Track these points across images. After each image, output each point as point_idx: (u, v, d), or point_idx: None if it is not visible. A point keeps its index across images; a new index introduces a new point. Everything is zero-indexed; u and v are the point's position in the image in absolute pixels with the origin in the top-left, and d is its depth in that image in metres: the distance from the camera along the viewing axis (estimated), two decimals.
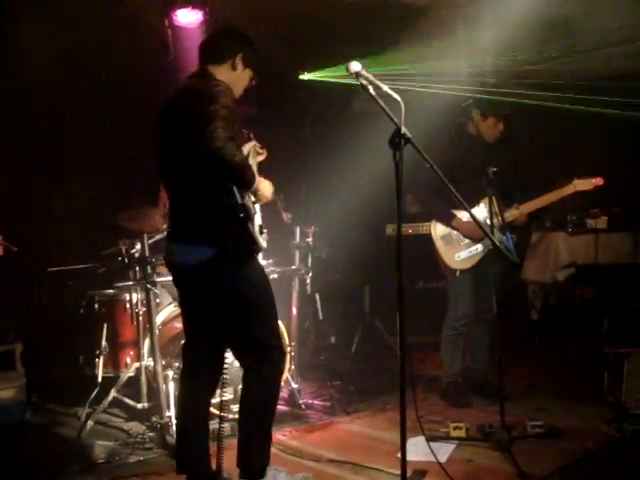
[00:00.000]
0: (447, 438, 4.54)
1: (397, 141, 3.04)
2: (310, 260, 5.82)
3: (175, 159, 3.57)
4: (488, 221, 4.64)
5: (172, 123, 3.61)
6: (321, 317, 6.73)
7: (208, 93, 3.41)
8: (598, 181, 5.33)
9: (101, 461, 4.49)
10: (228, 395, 4.96)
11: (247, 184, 3.52)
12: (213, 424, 4.89)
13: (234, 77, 3.75)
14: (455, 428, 4.58)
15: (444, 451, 4.30)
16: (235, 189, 3.44)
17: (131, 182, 6.52)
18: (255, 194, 3.66)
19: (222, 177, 3.43)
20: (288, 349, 5.24)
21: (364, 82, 3.19)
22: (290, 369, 5.36)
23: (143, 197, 6.17)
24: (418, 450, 4.13)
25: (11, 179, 6.12)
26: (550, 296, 6.73)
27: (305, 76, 6.97)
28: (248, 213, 3.50)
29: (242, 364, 3.85)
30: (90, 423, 5.01)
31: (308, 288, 6.04)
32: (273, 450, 3.66)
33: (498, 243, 3.51)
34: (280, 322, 3.85)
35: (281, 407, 3.61)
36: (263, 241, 3.68)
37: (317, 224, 5.79)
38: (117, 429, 5.13)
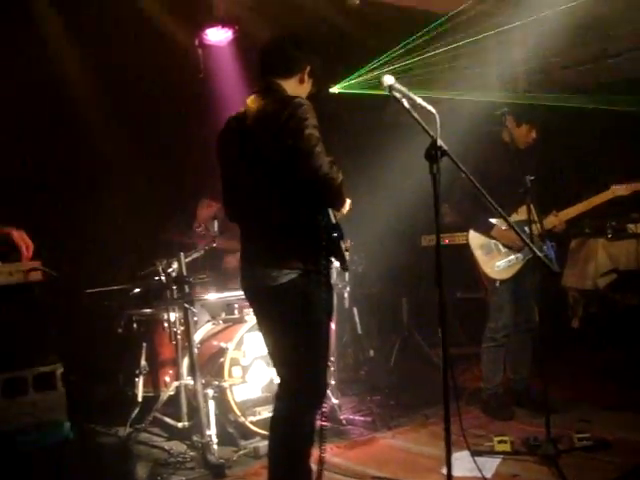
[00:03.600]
0: (492, 452, 4.48)
1: (433, 153, 3.00)
2: (347, 274, 5.79)
3: (257, 182, 3.44)
4: (527, 229, 4.59)
5: (250, 146, 3.46)
6: (360, 331, 6.68)
7: (294, 114, 3.30)
8: (636, 186, 5.24)
9: None
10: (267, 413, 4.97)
11: (342, 205, 3.49)
12: (254, 442, 4.93)
13: (301, 90, 3.62)
14: (500, 442, 4.51)
15: (489, 466, 4.23)
16: (329, 209, 3.43)
17: (168, 203, 6.54)
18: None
19: (322, 200, 3.39)
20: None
21: (398, 95, 3.16)
22: (330, 384, 5.32)
23: (179, 217, 6.21)
24: (462, 465, 4.07)
25: (48, 203, 6.17)
26: (591, 304, 6.63)
27: (335, 89, 6.95)
28: (341, 232, 3.46)
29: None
30: (131, 443, 5.02)
31: (346, 302, 6.01)
32: (314, 468, 3.60)
33: (538, 252, 3.45)
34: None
35: (323, 424, 3.59)
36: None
37: (352, 238, 5.76)
38: (158, 448, 5.12)
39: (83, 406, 5.64)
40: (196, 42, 6.48)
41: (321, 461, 3.44)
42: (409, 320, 7.38)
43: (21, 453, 4.97)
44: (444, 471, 3.26)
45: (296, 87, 3.62)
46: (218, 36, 6.52)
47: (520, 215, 5.04)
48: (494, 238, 5.32)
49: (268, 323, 3.61)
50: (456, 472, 3.41)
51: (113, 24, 5.99)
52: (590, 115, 6.87)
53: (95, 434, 5.55)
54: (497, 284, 5.31)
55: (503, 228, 5.22)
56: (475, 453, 4.00)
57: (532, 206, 4.60)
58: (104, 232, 6.47)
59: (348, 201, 3.63)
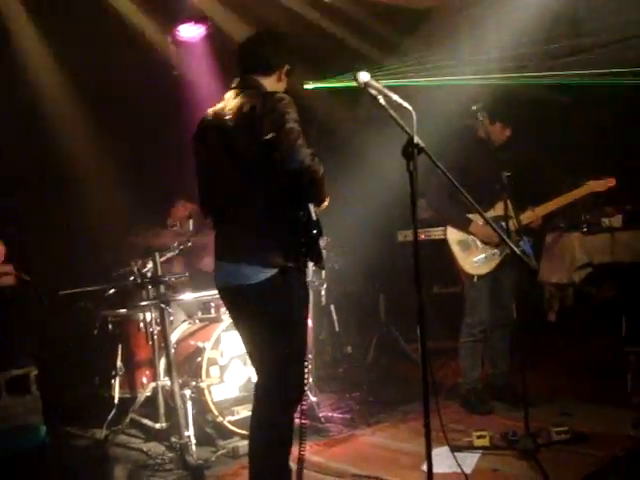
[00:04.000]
0: (471, 448, 4.48)
1: (410, 151, 2.98)
2: (324, 272, 5.77)
3: (236, 178, 3.42)
4: (504, 225, 4.59)
5: (229, 142, 3.44)
6: (337, 328, 6.68)
7: (274, 109, 3.30)
8: (610, 182, 5.26)
9: None
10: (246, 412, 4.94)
11: (323, 199, 3.46)
12: (233, 442, 4.90)
13: (278, 87, 3.62)
14: (479, 437, 4.52)
15: (469, 462, 4.24)
16: (310, 205, 3.40)
17: (141, 201, 6.48)
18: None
19: (304, 194, 3.36)
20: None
21: (373, 92, 3.14)
22: (308, 382, 5.29)
23: (153, 215, 6.16)
24: (443, 461, 4.06)
25: (21, 205, 6.10)
26: (567, 297, 6.66)
27: (309, 85, 6.92)
28: (320, 229, 3.43)
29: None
30: (109, 445, 4.98)
31: (323, 299, 6.00)
32: (294, 467, 3.58)
33: (515, 248, 3.45)
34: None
35: (302, 422, 3.57)
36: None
37: (329, 234, 5.73)
38: (136, 450, 5.08)
39: (59, 409, 5.60)
40: (169, 39, 6.43)
41: (301, 460, 3.41)
42: (386, 316, 7.38)
43: None
44: (424, 468, 3.25)
45: (274, 84, 3.62)
46: (191, 32, 6.48)
47: (497, 211, 5.05)
48: (471, 234, 5.32)
49: (245, 322, 3.58)
50: (436, 468, 3.39)
51: (84, 22, 5.92)
52: (565, 110, 6.91)
53: (72, 437, 5.51)
54: (475, 279, 5.32)
55: (480, 224, 5.23)
56: (455, 449, 4.00)
57: (508, 202, 4.60)
58: (79, 233, 6.41)
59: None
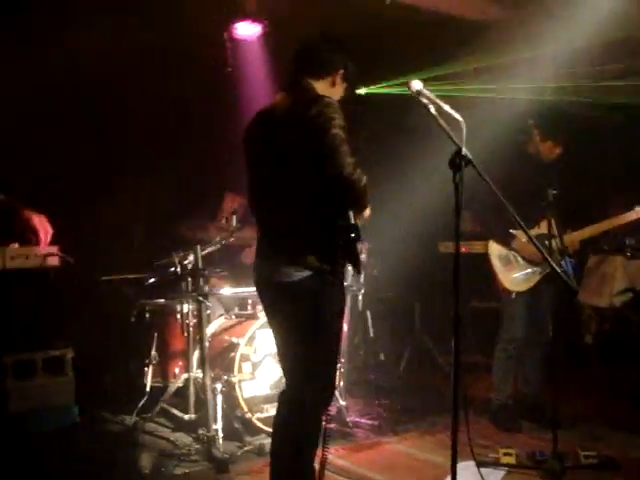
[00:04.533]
0: (496, 464, 4.45)
1: (458, 162, 2.98)
2: (362, 277, 5.77)
3: (280, 178, 3.44)
4: (547, 243, 4.55)
5: (275, 142, 3.46)
6: (371, 334, 6.67)
7: (322, 113, 3.29)
8: None
9: (146, 472, 4.51)
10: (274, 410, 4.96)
11: (363, 208, 3.48)
12: (260, 439, 4.93)
13: (332, 92, 3.60)
14: (505, 454, 4.50)
15: (493, 478, 4.21)
16: (350, 211, 3.41)
17: (189, 193, 6.55)
18: (359, 215, 3.54)
19: (344, 201, 3.38)
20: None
21: (425, 101, 3.15)
22: (339, 386, 5.30)
23: (201, 209, 6.22)
24: (467, 475, 4.02)
25: (68, 188, 6.19)
26: (605, 321, 6.58)
27: (362, 90, 6.93)
28: (359, 234, 3.43)
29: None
30: (137, 432, 5.04)
31: (359, 305, 6.00)
32: (318, 468, 3.59)
33: (557, 268, 3.42)
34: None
35: (328, 425, 3.58)
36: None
37: (369, 240, 5.74)
38: (163, 439, 5.14)
39: (92, 392, 5.68)
40: (225, 36, 6.47)
41: (323, 462, 3.42)
42: (421, 326, 7.36)
43: (29, 434, 5.02)
44: None
45: (327, 89, 3.61)
46: (248, 30, 6.51)
47: (541, 229, 5.00)
48: (513, 250, 5.29)
49: (278, 320, 3.61)
50: None
51: (139, 13, 5.98)
52: (617, 130, 6.83)
53: (102, 421, 5.59)
54: (513, 295, 5.28)
55: (523, 240, 5.19)
56: (480, 464, 3.97)
57: (553, 220, 4.56)
58: (124, 221, 6.50)
59: (369, 209, 3.62)
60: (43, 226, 2.83)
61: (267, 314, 3.74)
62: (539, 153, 5.24)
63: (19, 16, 5.61)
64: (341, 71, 3.66)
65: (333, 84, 3.65)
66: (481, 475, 3.75)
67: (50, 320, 5.52)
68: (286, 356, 3.61)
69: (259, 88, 6.48)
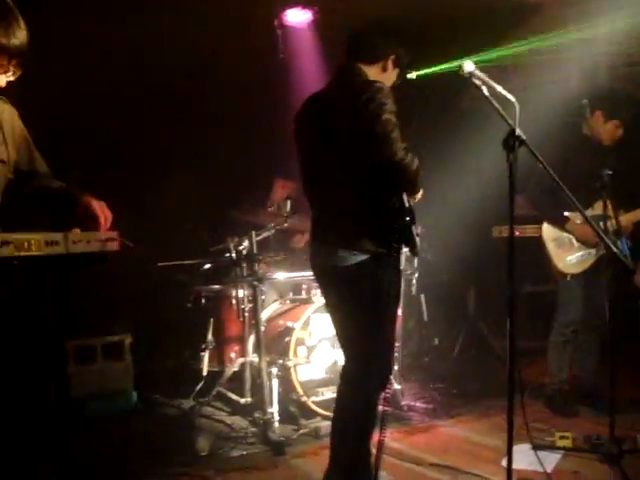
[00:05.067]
0: (552, 447, 4.42)
1: (511, 143, 2.98)
2: (416, 261, 5.77)
3: (333, 163, 3.48)
4: (602, 224, 4.50)
5: (328, 125, 3.48)
6: (426, 318, 6.67)
7: (373, 98, 3.31)
8: None
9: (204, 453, 4.59)
10: (330, 394, 5.01)
11: (415, 192, 3.52)
12: (315, 422, 4.98)
13: (384, 77, 3.61)
14: (561, 437, 4.45)
15: (550, 460, 4.18)
16: (403, 194, 3.44)
17: (240, 180, 6.61)
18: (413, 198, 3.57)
19: (396, 185, 3.40)
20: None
21: (478, 82, 3.14)
22: (394, 369, 5.32)
23: (251, 194, 6.26)
24: (523, 458, 4.04)
25: (125, 175, 6.30)
26: None
27: (413, 74, 6.90)
28: (414, 217, 3.46)
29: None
30: (195, 416, 5.13)
31: (413, 289, 6.00)
32: (373, 451, 3.62)
33: (614, 247, 3.39)
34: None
35: (384, 408, 3.62)
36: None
37: (423, 224, 5.73)
38: (220, 422, 5.23)
39: (149, 377, 5.79)
40: (275, 23, 6.50)
41: (380, 445, 3.45)
42: (475, 310, 7.34)
43: (88, 419, 5.15)
44: (504, 463, 3.25)
45: (378, 74, 3.62)
46: (298, 17, 6.53)
47: (595, 210, 4.94)
48: (568, 232, 5.23)
49: (335, 303, 3.65)
50: (516, 464, 3.39)
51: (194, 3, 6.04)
52: None
53: (160, 405, 5.69)
54: (568, 278, 5.23)
55: (578, 222, 5.14)
56: (536, 447, 3.96)
57: (608, 201, 4.50)
58: (179, 207, 6.58)
59: (421, 190, 3.63)
60: (103, 212, 2.89)
61: (325, 298, 3.80)
62: (595, 134, 5.17)
63: None
64: (392, 56, 3.66)
65: (384, 69, 3.66)
66: (537, 457, 3.74)
67: (109, 306, 5.66)
68: (344, 339, 3.66)
69: (310, 75, 6.50)
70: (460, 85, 3.25)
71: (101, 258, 2.75)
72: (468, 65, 3.14)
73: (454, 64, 5.43)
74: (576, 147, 5.19)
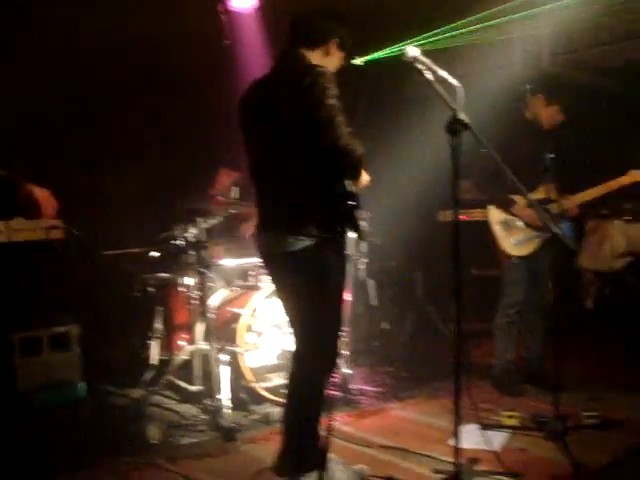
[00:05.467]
0: (500, 426, 4.52)
1: (454, 127, 3.01)
2: (364, 246, 5.79)
3: (277, 148, 3.48)
4: (545, 207, 4.59)
5: (272, 111, 3.48)
6: (374, 303, 6.70)
7: (316, 83, 3.32)
8: None
9: (154, 442, 4.57)
10: (279, 380, 5.03)
11: (359, 177, 3.52)
12: (265, 408, 4.99)
13: (326, 62, 3.61)
14: (508, 417, 4.57)
15: (497, 440, 4.26)
16: (346, 180, 3.45)
17: (188, 167, 6.56)
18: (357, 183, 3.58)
19: (340, 171, 3.42)
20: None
21: (421, 67, 3.17)
22: (343, 354, 5.35)
23: (198, 183, 6.22)
24: (471, 438, 4.10)
25: (70, 163, 6.21)
26: (605, 285, 6.62)
27: (357, 60, 6.92)
28: (357, 201, 3.48)
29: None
30: (144, 404, 5.09)
31: (362, 274, 6.02)
32: (323, 434, 3.64)
33: (557, 229, 3.46)
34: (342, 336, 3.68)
35: (333, 392, 3.63)
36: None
37: (371, 210, 5.76)
38: (170, 411, 5.19)
39: (98, 367, 5.73)
40: (220, 8, 6.45)
41: (330, 428, 3.47)
42: (423, 294, 7.40)
43: (36, 410, 5.08)
44: (452, 442, 3.30)
45: (321, 59, 3.62)
46: (243, 3, 6.49)
47: (539, 194, 5.04)
48: (513, 215, 5.32)
49: (283, 288, 3.69)
50: (464, 444, 3.45)
51: None
52: (614, 97, 6.83)
53: (109, 395, 5.62)
54: (513, 260, 5.33)
55: (523, 205, 5.23)
56: (484, 426, 4.03)
57: (551, 185, 4.59)
58: (124, 196, 6.51)
59: (366, 177, 3.65)
60: (46, 200, 2.86)
61: (274, 283, 3.81)
62: (536, 118, 5.25)
63: None
64: (335, 40, 3.66)
65: (327, 54, 3.65)
66: (485, 436, 3.81)
67: (56, 296, 5.57)
68: (293, 323, 3.69)
69: (255, 61, 6.47)
70: (406, 70, 3.27)
71: (46, 247, 2.72)
72: (412, 50, 3.16)
73: (399, 49, 5.45)
74: (519, 131, 5.27)
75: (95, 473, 4.05)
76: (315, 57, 3.60)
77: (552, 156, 4.52)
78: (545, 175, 4.56)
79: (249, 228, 6.18)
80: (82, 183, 6.20)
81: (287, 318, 3.78)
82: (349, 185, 3.45)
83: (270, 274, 3.80)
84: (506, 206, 5.33)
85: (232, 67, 6.59)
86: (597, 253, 6.30)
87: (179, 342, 5.62)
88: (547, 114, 5.24)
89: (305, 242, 3.42)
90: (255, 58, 6.57)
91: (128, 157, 6.62)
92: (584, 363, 6.00)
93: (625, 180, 5.22)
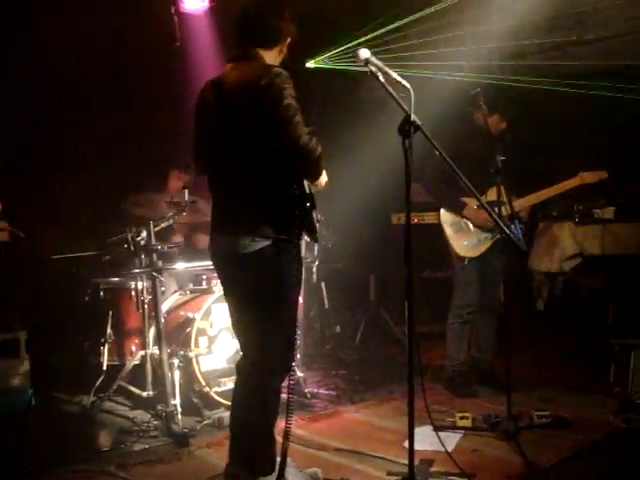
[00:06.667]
0: (453, 428, 4.55)
1: (406, 129, 3.02)
2: (316, 248, 5.80)
3: (233, 149, 3.43)
4: (496, 210, 4.62)
5: (227, 113, 3.45)
6: (327, 306, 6.71)
7: (272, 83, 3.29)
8: (602, 175, 5.35)
9: (106, 449, 4.50)
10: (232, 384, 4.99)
11: (318, 177, 3.49)
12: (218, 412, 4.95)
13: (278, 60, 3.61)
14: (461, 418, 4.60)
15: (450, 441, 4.28)
16: (304, 179, 3.43)
17: (138, 170, 6.48)
18: (314, 183, 3.56)
19: (299, 171, 3.40)
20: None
21: (373, 69, 3.17)
22: (296, 358, 5.32)
23: (150, 184, 6.15)
24: (424, 439, 4.13)
25: (18, 165, 6.10)
26: (556, 287, 6.69)
27: (311, 64, 6.92)
28: (314, 203, 3.46)
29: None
30: (95, 411, 5.02)
31: (314, 277, 6.02)
32: (278, 439, 3.61)
33: (507, 230, 3.49)
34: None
35: (286, 396, 3.62)
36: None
37: (323, 212, 5.75)
38: (122, 417, 5.13)
39: (47, 374, 5.63)
40: (172, 10, 6.40)
41: (287, 434, 3.45)
42: (376, 297, 7.43)
43: None
44: (406, 444, 3.31)
45: (275, 58, 3.60)
46: (195, 4, 6.45)
47: (490, 196, 5.09)
48: (465, 217, 5.37)
49: (236, 291, 3.61)
50: (418, 446, 3.46)
51: None
52: (561, 101, 6.91)
53: (59, 402, 5.54)
54: (465, 262, 5.38)
55: (474, 207, 5.28)
56: (437, 428, 4.05)
57: (502, 187, 4.63)
58: (74, 200, 6.41)
59: (325, 177, 3.64)
60: None
61: (224, 286, 3.74)
62: (486, 123, 5.30)
63: None
64: (289, 39, 3.64)
65: (281, 52, 3.64)
66: (439, 437, 3.83)
67: (2, 301, 5.46)
68: (244, 328, 3.63)
69: (207, 63, 6.43)
70: (359, 73, 3.27)
71: None
72: (364, 52, 3.16)
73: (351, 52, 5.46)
74: (469, 134, 5.33)
75: None
76: (270, 56, 3.58)
77: (502, 158, 4.57)
78: (496, 177, 4.60)
79: (203, 240, 6.12)
80: (28, 184, 6.08)
81: (233, 322, 3.71)
82: (307, 186, 3.44)
83: (223, 277, 3.73)
84: (457, 209, 5.37)
85: (184, 69, 6.53)
86: (548, 255, 6.35)
87: (131, 347, 5.55)
88: (491, 122, 5.28)
89: (260, 244, 3.38)
90: (207, 60, 6.52)
91: (79, 159, 6.52)
92: (535, 364, 6.07)
93: (574, 182, 5.34)
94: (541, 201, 5.48)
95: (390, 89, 3.12)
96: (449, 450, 3.94)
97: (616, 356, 5.43)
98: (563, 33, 6.89)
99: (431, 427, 4.03)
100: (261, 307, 3.47)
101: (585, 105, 6.56)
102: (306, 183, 3.45)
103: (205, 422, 4.83)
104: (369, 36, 6.25)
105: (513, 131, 5.55)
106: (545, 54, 7.13)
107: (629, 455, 4.13)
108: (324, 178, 3.60)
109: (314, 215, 3.44)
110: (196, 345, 4.99)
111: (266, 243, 3.38)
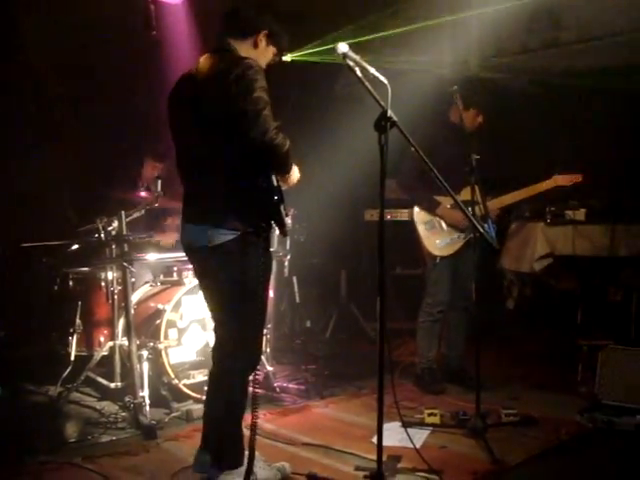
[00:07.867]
0: (421, 424, 4.56)
1: (383, 124, 3.01)
2: (288, 243, 5.78)
3: (203, 141, 3.43)
4: (470, 209, 4.64)
5: (198, 105, 3.43)
6: (298, 300, 6.70)
7: (243, 75, 3.29)
8: (577, 178, 5.40)
9: (73, 440, 4.46)
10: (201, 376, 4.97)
11: (287, 170, 3.49)
12: (187, 405, 4.93)
13: (256, 54, 3.58)
14: (430, 415, 4.61)
15: (418, 437, 4.29)
16: (272, 173, 3.41)
17: (110, 159, 6.43)
18: (284, 178, 3.55)
19: (266, 164, 3.38)
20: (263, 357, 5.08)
21: (351, 64, 3.17)
22: (265, 352, 5.32)
23: (122, 174, 6.10)
24: (392, 435, 4.15)
25: None
26: (526, 286, 6.74)
27: (287, 57, 6.89)
28: (282, 196, 3.45)
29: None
30: (62, 402, 4.97)
31: (286, 271, 6.00)
32: (246, 433, 3.60)
33: (481, 228, 3.50)
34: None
35: (255, 390, 3.60)
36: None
37: (296, 207, 5.74)
38: (89, 408, 5.08)
39: (14, 364, 5.57)
40: None
41: (253, 426, 3.44)
42: (347, 293, 7.44)
43: None
44: (374, 440, 3.31)
45: (249, 50, 3.59)
46: None
47: (463, 195, 5.09)
48: (438, 216, 5.38)
49: (205, 282, 3.64)
50: (386, 441, 3.47)
51: None
52: (538, 102, 6.96)
53: (25, 393, 5.47)
54: (437, 260, 5.39)
55: (447, 206, 5.29)
56: (406, 424, 4.06)
57: (476, 187, 4.64)
58: (43, 187, 6.34)
59: (297, 173, 3.63)
60: None
61: (197, 277, 3.78)
62: (462, 121, 5.31)
63: None
64: (264, 32, 3.63)
65: (256, 45, 3.63)
66: (407, 434, 3.84)
67: None
68: (215, 318, 3.65)
69: (184, 53, 6.40)
70: (336, 67, 3.26)
71: None
72: (342, 46, 3.15)
73: (329, 46, 5.45)
74: (444, 133, 5.33)
75: (9, 473, 3.91)
76: (244, 48, 3.57)
77: (477, 157, 4.58)
78: (470, 176, 4.61)
79: (173, 222, 6.08)
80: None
81: (209, 313, 3.73)
82: (274, 180, 3.43)
83: (194, 268, 3.76)
84: (430, 207, 5.38)
85: (159, 58, 6.48)
86: (519, 254, 6.38)
87: (99, 338, 5.50)
88: (466, 117, 5.29)
89: (228, 236, 3.38)
90: (184, 50, 6.49)
91: (50, 146, 6.45)
92: (504, 362, 6.13)
93: (549, 184, 5.39)
94: (515, 202, 5.51)
95: (367, 84, 3.12)
96: (417, 446, 3.95)
97: (583, 356, 5.49)
98: (540, 35, 6.94)
99: (400, 423, 4.05)
100: (228, 299, 3.48)
101: (562, 107, 6.62)
102: (274, 176, 3.43)
103: (173, 414, 4.80)
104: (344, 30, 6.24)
105: (490, 129, 5.57)
106: (523, 55, 7.16)
107: (595, 454, 4.17)
108: (295, 174, 3.61)
109: (282, 209, 3.43)
110: (165, 337, 4.96)
111: (233, 235, 3.38)
